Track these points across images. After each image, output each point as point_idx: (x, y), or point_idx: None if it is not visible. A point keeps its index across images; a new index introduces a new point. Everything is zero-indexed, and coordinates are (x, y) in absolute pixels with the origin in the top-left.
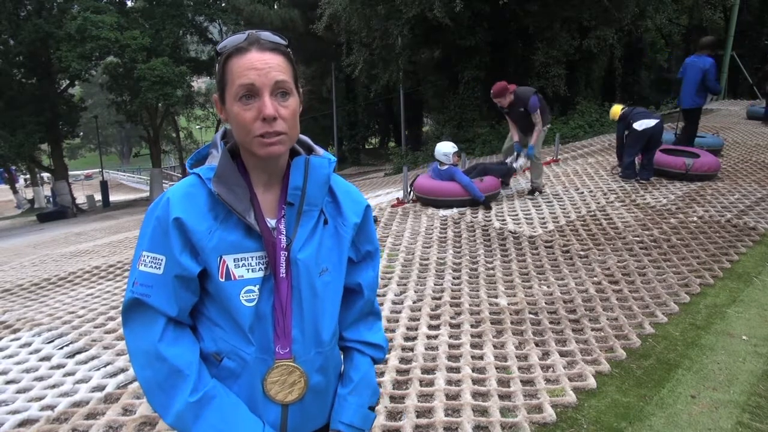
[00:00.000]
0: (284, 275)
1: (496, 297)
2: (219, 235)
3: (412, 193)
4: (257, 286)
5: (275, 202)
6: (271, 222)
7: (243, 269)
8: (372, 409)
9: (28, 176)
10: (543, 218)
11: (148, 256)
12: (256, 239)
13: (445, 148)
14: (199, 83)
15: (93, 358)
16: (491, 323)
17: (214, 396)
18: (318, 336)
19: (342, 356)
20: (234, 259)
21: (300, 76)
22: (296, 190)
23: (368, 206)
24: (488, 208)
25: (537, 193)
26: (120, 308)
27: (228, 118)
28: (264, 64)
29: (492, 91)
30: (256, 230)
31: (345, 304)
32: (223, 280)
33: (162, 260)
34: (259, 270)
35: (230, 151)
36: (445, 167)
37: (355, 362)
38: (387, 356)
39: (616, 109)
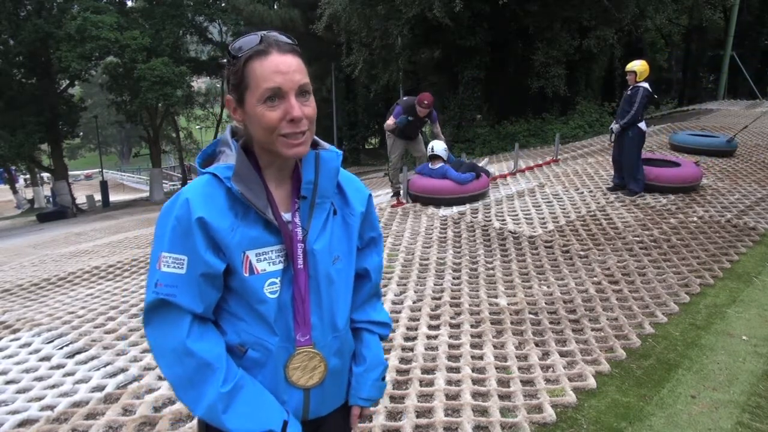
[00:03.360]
0: (302, 266)
1: (496, 297)
2: (241, 231)
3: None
4: (279, 278)
5: (288, 196)
6: (287, 216)
7: (265, 263)
8: (383, 379)
9: (28, 176)
10: (543, 218)
11: (169, 257)
12: (274, 233)
13: (443, 145)
14: (199, 83)
15: (93, 358)
16: (491, 323)
17: (243, 386)
18: (334, 322)
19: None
20: (256, 254)
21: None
22: (309, 184)
23: (370, 195)
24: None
25: None
26: (120, 308)
27: (246, 119)
28: (288, 67)
29: (427, 102)
30: (274, 225)
31: (354, 288)
32: (248, 274)
33: (184, 260)
34: (279, 263)
35: (242, 149)
36: (438, 166)
37: (366, 341)
38: (387, 356)
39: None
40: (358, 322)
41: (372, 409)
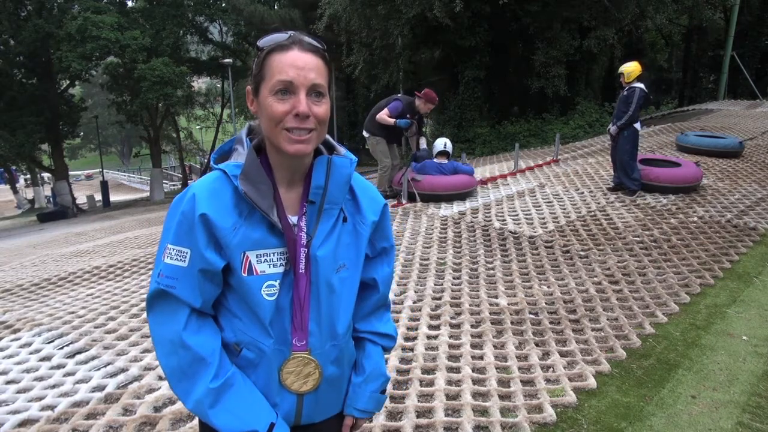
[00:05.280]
0: (303, 271)
1: (496, 297)
2: (243, 231)
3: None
4: (278, 281)
5: (297, 199)
6: (293, 219)
7: (265, 265)
8: (383, 392)
9: (28, 176)
10: (543, 218)
11: (173, 249)
12: (278, 236)
13: (449, 141)
14: (199, 83)
15: (93, 358)
16: (491, 323)
17: (233, 384)
18: (333, 330)
19: (354, 346)
20: (257, 255)
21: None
22: (318, 189)
23: (386, 204)
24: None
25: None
26: (121, 308)
27: (258, 111)
28: (304, 63)
29: (438, 98)
30: (278, 227)
31: (360, 297)
32: (246, 275)
33: (187, 253)
34: (280, 265)
35: (255, 148)
36: (446, 162)
37: (368, 352)
38: (387, 356)
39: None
40: (361, 332)
41: (367, 422)
